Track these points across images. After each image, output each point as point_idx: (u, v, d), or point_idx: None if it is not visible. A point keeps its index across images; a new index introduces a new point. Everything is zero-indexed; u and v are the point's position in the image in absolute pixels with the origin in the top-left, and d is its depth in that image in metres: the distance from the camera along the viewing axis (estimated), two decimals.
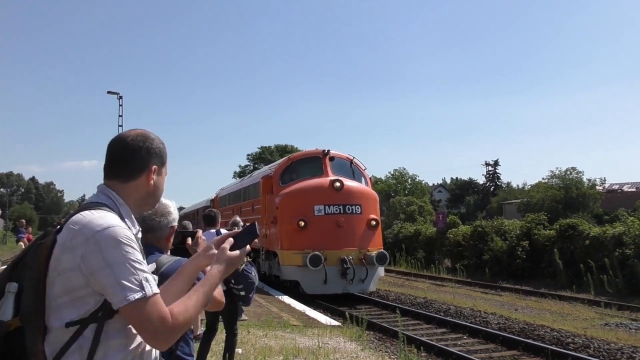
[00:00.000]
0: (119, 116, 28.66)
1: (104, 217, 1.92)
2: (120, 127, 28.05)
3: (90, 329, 1.88)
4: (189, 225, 5.70)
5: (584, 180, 53.75)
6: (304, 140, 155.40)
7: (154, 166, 2.14)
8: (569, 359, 9.60)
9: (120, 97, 28.78)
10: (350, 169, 18.51)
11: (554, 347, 10.28)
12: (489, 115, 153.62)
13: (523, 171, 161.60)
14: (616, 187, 61.64)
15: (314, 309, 14.45)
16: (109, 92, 28.60)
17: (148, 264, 2.04)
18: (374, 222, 17.29)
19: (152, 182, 2.14)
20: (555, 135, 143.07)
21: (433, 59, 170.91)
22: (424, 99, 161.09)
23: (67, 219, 1.96)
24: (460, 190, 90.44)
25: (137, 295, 1.84)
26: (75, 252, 1.86)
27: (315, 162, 18.22)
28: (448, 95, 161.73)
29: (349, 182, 17.38)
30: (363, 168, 18.81)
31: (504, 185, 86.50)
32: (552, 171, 55.98)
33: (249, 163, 75.74)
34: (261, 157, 73.18)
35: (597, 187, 54.72)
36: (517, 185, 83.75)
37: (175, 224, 3.11)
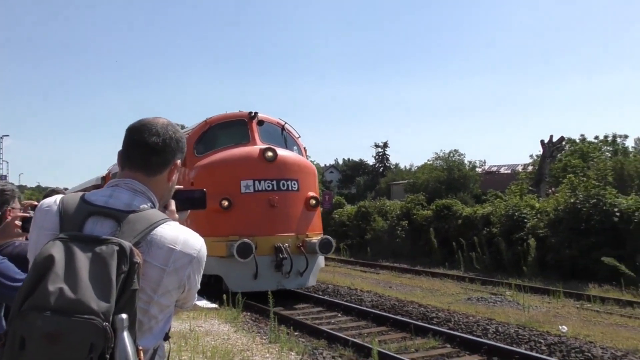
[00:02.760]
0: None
1: (193, 234, 1.94)
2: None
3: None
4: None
5: (466, 162, 54.94)
6: (196, 119, 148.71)
7: (178, 160, 2.03)
8: (429, 333, 10.04)
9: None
10: (282, 136, 15.11)
11: (418, 322, 10.88)
12: (382, 99, 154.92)
13: (411, 153, 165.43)
14: (494, 168, 62.81)
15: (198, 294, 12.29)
16: None
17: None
18: (313, 202, 14.05)
19: (173, 178, 2.06)
20: (443, 119, 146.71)
21: (329, 42, 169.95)
22: (318, 82, 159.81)
23: (145, 231, 1.79)
24: (351, 171, 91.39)
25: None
26: (179, 273, 1.85)
27: (239, 127, 14.63)
28: (342, 79, 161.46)
29: (283, 152, 13.96)
30: (297, 136, 15.45)
31: (392, 167, 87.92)
32: (436, 153, 56.84)
33: None
34: None
35: (477, 169, 55.93)
36: (405, 167, 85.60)
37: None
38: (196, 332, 9.35)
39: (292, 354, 8.57)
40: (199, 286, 1.97)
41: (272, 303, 10.53)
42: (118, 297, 1.61)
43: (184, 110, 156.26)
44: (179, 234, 1.87)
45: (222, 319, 10.72)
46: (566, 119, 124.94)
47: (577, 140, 45.55)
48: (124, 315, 1.61)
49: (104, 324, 1.55)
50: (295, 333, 10.21)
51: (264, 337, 9.58)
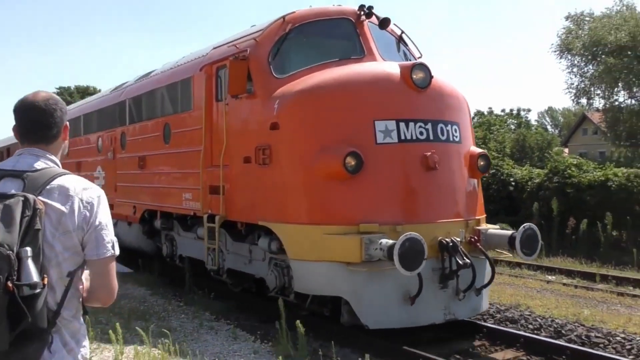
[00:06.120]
0: None
1: (89, 183, 2.39)
2: None
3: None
4: None
5: None
6: (106, 80, 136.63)
7: (66, 123, 2.46)
8: None
9: None
10: (400, 52, 9.04)
11: None
12: None
13: None
14: None
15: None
16: None
17: None
18: (482, 163, 8.12)
19: (67, 139, 2.51)
20: None
21: None
22: None
23: (45, 184, 2.25)
24: None
25: (108, 254, 2.33)
26: (75, 215, 2.27)
27: (343, 30, 8.42)
28: None
29: (435, 74, 7.86)
30: (418, 56, 9.36)
31: None
32: None
33: None
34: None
35: None
36: None
37: None
38: None
39: (207, 314, 8.73)
40: (106, 237, 2.33)
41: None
42: (24, 234, 2.11)
43: (95, 71, 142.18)
44: (76, 183, 2.32)
45: (138, 284, 10.84)
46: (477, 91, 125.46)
47: (485, 113, 48.33)
48: (28, 248, 2.10)
49: (8, 252, 2.03)
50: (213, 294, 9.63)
51: (179, 300, 9.74)
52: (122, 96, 12.76)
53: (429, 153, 7.27)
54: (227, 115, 8.55)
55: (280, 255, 7.76)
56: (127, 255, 13.63)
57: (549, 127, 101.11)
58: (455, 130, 7.77)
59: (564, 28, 34.97)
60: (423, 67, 7.50)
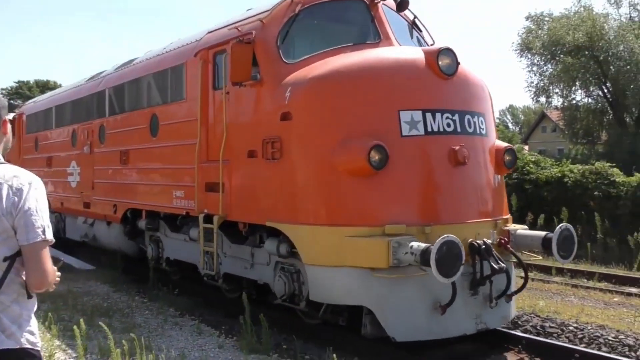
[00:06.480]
0: None
1: (23, 171, 2.50)
2: None
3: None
4: None
5: None
6: (68, 75, 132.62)
7: (5, 118, 2.58)
8: None
9: None
10: (413, 38, 8.37)
11: None
12: None
13: None
14: None
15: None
16: None
17: None
18: (508, 158, 7.51)
19: (7, 133, 2.61)
20: None
21: None
22: None
23: None
24: None
25: (39, 239, 2.38)
26: (4, 201, 2.37)
27: (355, 13, 7.70)
28: None
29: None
30: (431, 43, 8.69)
31: None
32: None
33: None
34: (18, 92, 62.86)
35: None
36: None
37: None
38: (74, 292, 9.49)
39: (171, 310, 8.66)
40: (36, 223, 2.39)
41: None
42: None
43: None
44: (6, 171, 2.44)
45: (101, 280, 10.80)
46: None
47: None
48: None
49: None
50: (176, 291, 9.55)
51: (144, 296, 9.63)
52: (100, 86, 11.77)
53: (458, 147, 6.60)
54: (228, 105, 7.74)
55: (290, 260, 7.02)
56: (90, 252, 12.90)
57: (510, 124, 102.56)
58: (482, 122, 7.13)
59: (524, 28, 35.62)
60: (450, 52, 6.82)
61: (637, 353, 7.04)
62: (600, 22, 31.81)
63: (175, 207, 8.96)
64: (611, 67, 31.84)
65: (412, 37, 8.32)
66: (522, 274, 7.32)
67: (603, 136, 36.97)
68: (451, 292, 6.14)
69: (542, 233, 6.95)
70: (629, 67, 30.79)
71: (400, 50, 7.09)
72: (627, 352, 7.05)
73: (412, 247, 5.91)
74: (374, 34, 7.53)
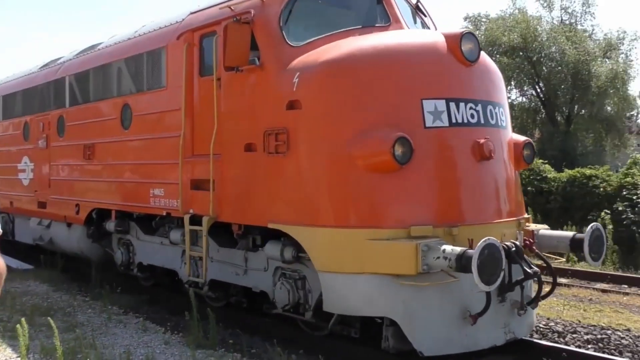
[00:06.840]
0: None
1: None
2: None
3: None
4: None
5: None
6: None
7: None
8: None
9: None
10: (417, 23, 7.76)
11: None
12: None
13: None
14: None
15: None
16: None
17: None
18: (527, 152, 7.01)
19: None
20: None
21: None
22: None
23: None
24: None
25: None
26: None
27: None
28: None
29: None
30: (434, 29, 8.11)
31: None
32: None
33: None
34: None
35: None
36: None
37: None
38: (12, 292, 9.30)
39: (114, 308, 8.56)
40: None
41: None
42: None
43: None
44: None
45: (40, 280, 10.53)
46: None
47: None
48: None
49: None
50: (118, 290, 9.36)
51: (86, 295, 9.52)
52: (59, 73, 10.64)
53: (483, 140, 6.02)
54: (219, 93, 6.91)
55: (294, 265, 6.29)
56: (27, 250, 12.04)
57: None
58: (502, 114, 6.58)
59: (463, 28, 36.63)
60: (472, 37, 6.24)
61: None
62: (533, 24, 32.82)
63: (153, 206, 8.05)
64: (544, 68, 33.01)
65: (415, 22, 7.69)
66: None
67: (536, 134, 37.93)
68: (485, 300, 5.55)
69: (570, 233, 6.49)
70: (560, 67, 31.90)
71: (419, 34, 6.49)
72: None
73: (444, 251, 5.28)
74: (382, 17, 6.87)
